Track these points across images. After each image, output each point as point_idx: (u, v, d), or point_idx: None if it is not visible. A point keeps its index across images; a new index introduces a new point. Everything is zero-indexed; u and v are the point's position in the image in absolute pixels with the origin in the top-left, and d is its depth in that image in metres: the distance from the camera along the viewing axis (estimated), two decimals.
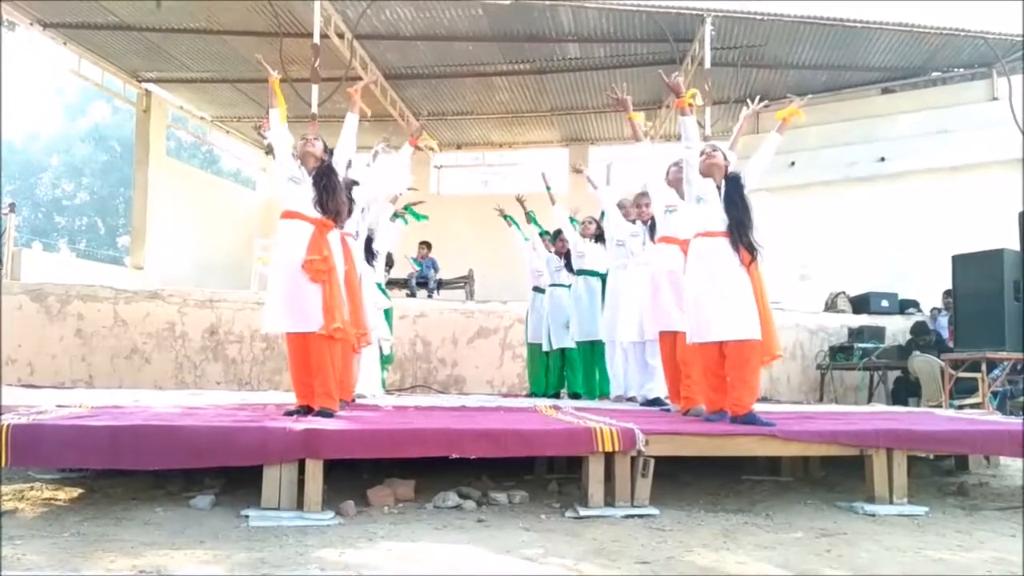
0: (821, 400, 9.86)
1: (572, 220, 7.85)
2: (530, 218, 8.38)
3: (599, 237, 7.60)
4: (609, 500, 3.76)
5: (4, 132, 13.92)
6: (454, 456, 3.71)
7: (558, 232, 8.07)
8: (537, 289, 8.31)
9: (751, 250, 4.65)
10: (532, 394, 8.30)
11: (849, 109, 14.27)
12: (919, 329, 9.63)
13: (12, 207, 11.99)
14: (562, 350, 7.98)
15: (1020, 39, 12.21)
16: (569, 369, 7.99)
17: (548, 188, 7.92)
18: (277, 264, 4.70)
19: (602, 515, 3.65)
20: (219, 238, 16.75)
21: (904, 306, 11.13)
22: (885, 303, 10.97)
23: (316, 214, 4.67)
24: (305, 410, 4.54)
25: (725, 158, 4.88)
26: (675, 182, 5.45)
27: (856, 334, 9.92)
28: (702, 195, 4.84)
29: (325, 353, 4.59)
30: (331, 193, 4.70)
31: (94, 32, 13.23)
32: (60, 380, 8.95)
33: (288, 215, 4.68)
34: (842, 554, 3.13)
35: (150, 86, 15.69)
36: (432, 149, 6.58)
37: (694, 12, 11.53)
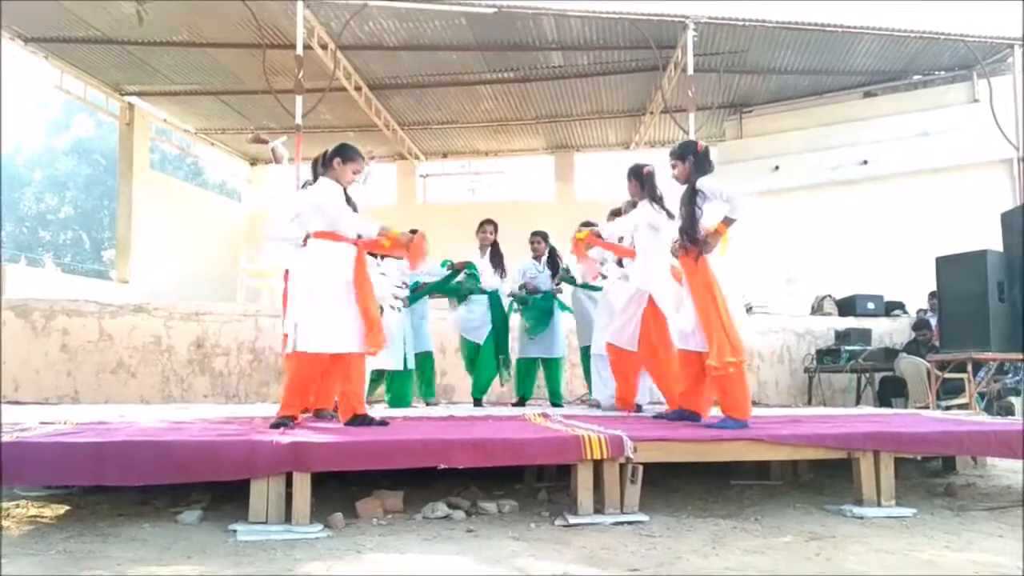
0: (809, 403, 9.89)
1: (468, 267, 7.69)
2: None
3: (550, 262, 7.63)
4: (598, 507, 3.76)
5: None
6: (443, 467, 3.71)
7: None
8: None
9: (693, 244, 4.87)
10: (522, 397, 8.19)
11: (832, 113, 14.39)
12: (921, 324, 9.65)
13: None
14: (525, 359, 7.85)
15: (1000, 42, 12.33)
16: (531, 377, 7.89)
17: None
18: (320, 283, 4.65)
19: (591, 523, 3.65)
20: (205, 251, 16.70)
21: (890, 308, 11.19)
22: (871, 305, 11.03)
23: (352, 235, 4.73)
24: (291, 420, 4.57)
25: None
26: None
27: (843, 336, 9.96)
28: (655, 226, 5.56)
29: (360, 366, 4.82)
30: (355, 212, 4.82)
31: (76, 46, 13.19)
32: (45, 396, 8.89)
33: (326, 235, 4.67)
34: (831, 557, 3.13)
35: (133, 99, 15.66)
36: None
37: (676, 19, 11.59)
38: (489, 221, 7.71)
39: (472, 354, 7.76)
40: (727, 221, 4.80)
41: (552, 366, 7.81)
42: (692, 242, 4.84)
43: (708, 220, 4.85)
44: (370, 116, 14.96)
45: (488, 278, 7.56)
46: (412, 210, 18.23)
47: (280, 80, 12.79)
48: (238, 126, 17.13)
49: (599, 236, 6.05)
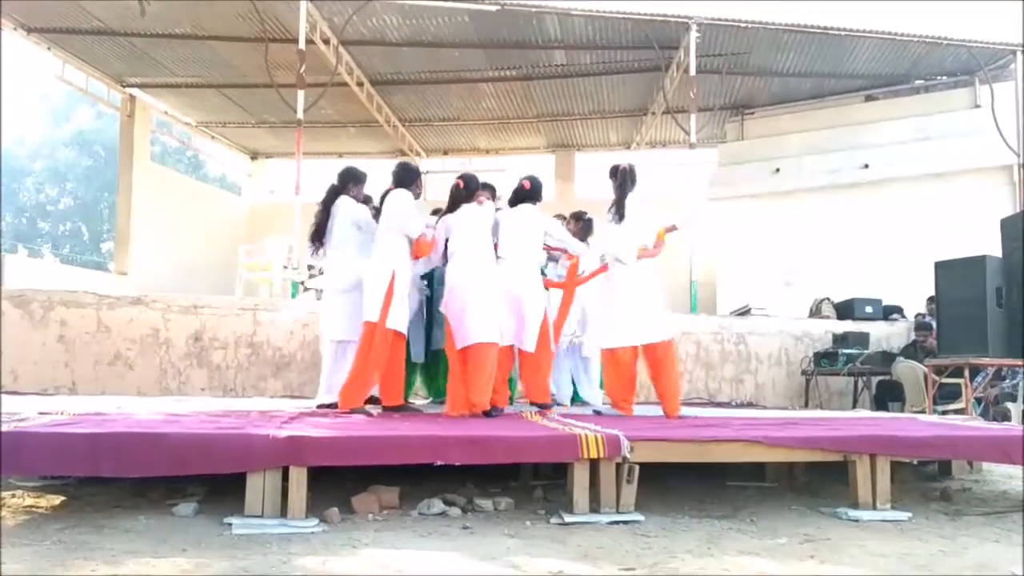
0: (806, 406, 9.89)
1: None
2: None
3: None
4: (594, 506, 3.76)
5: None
6: (439, 463, 3.70)
7: None
8: None
9: None
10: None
11: (833, 116, 14.39)
12: (923, 326, 9.64)
13: None
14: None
15: (1002, 47, 12.34)
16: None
17: None
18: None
19: (587, 521, 3.65)
20: (204, 244, 16.68)
21: (888, 312, 11.19)
22: (869, 309, 11.01)
23: None
24: None
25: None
26: None
27: (840, 340, 9.95)
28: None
29: None
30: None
31: (78, 37, 13.17)
32: (43, 386, 8.87)
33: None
34: (826, 560, 3.13)
35: (134, 91, 15.64)
36: None
37: (679, 20, 11.59)
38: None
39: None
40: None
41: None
42: None
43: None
44: (371, 112, 14.95)
45: None
46: None
47: (282, 74, 12.77)
48: (239, 120, 17.13)
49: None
